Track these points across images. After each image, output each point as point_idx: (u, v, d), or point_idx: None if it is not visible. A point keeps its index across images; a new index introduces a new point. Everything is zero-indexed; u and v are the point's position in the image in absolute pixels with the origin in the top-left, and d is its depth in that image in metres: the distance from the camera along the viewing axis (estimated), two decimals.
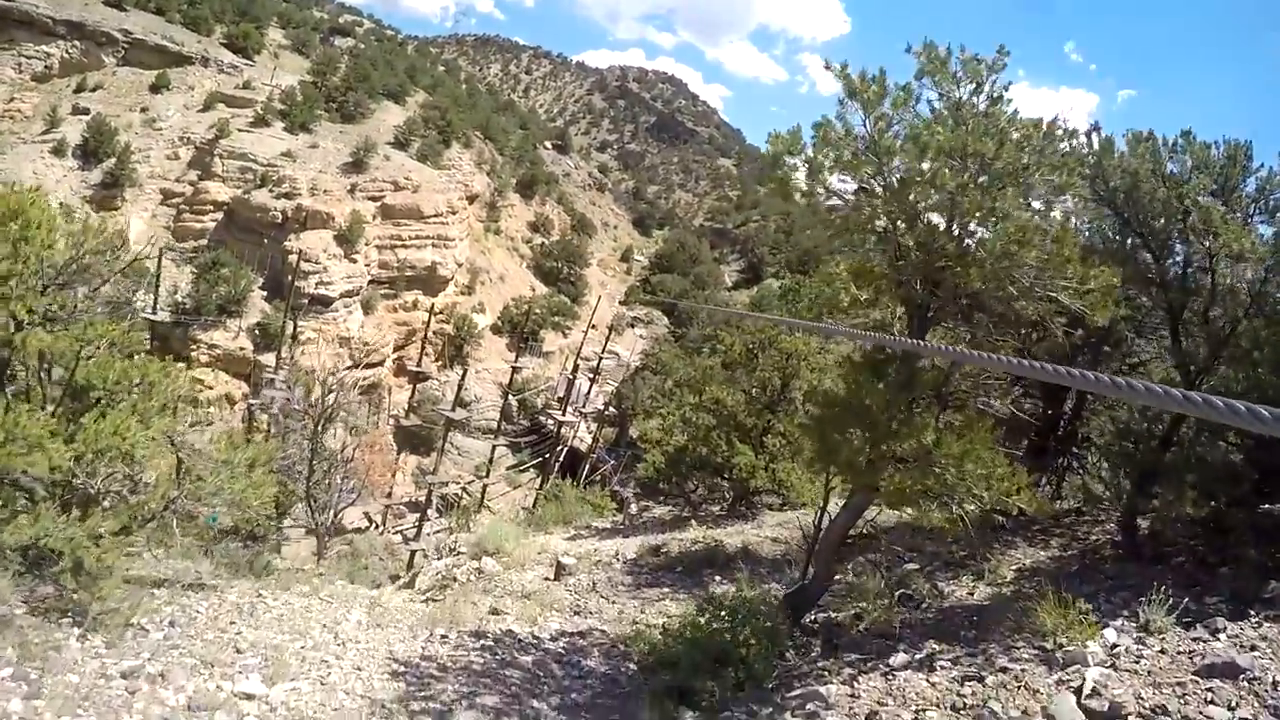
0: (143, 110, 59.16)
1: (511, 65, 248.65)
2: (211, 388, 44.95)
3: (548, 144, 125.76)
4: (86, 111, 55.49)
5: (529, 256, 73.83)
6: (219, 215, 53.23)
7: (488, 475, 43.12)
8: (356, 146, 57.43)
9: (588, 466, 45.09)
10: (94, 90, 58.99)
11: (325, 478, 23.21)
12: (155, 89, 60.79)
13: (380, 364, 51.29)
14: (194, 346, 45.34)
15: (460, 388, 34.83)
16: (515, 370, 46.56)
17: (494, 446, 41.16)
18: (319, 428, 24.16)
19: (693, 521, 19.85)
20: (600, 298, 55.08)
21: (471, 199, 68.46)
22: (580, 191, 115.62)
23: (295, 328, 39.98)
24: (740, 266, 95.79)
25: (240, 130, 57.66)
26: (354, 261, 50.15)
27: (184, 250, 51.54)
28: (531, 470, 48.22)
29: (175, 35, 66.46)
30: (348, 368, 49.68)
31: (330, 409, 26.28)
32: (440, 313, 54.82)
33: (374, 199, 54.83)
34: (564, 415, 39.65)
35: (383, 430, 48.19)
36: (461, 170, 68.67)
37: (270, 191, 52.78)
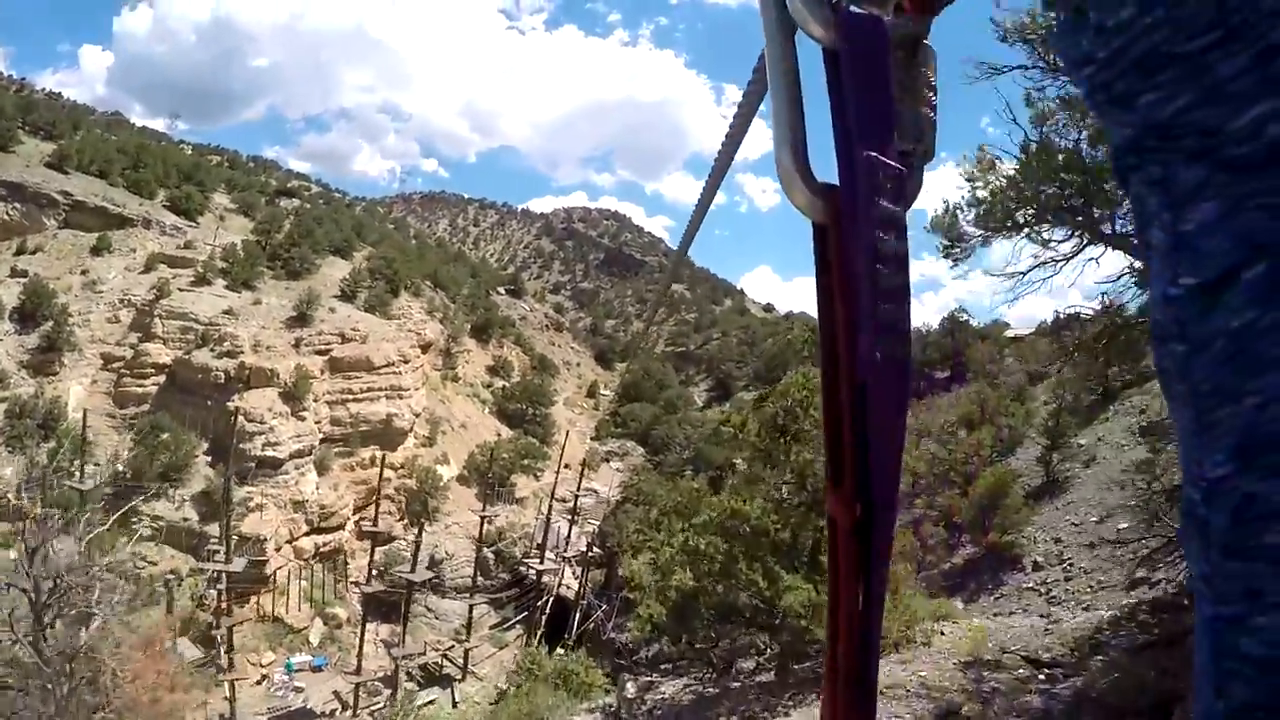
0: (83, 272, 56.87)
1: (459, 218, 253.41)
2: (155, 563, 40.84)
3: (500, 289, 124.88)
4: (25, 274, 53.02)
5: (491, 401, 70.72)
6: (160, 378, 50.31)
7: (467, 638, 38.56)
8: (300, 299, 54.86)
9: (578, 615, 40.78)
10: (34, 252, 57.00)
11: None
12: (96, 251, 58.91)
13: (340, 527, 47.05)
14: (135, 519, 41.29)
15: (418, 545, 30.87)
16: (485, 520, 42.62)
17: (471, 606, 36.81)
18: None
19: (724, 703, 15.01)
20: (569, 433, 51.84)
21: (425, 347, 65.79)
22: (538, 333, 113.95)
23: (227, 494, 35.91)
24: (709, 385, 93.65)
25: (181, 290, 55.30)
26: (302, 419, 46.69)
27: (126, 417, 48.12)
28: (519, 626, 43.70)
29: (116, 198, 65.28)
30: (304, 533, 45.65)
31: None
32: (400, 467, 51.09)
33: (320, 352, 51.90)
34: (542, 563, 35.39)
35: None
36: (412, 319, 66.33)
37: (212, 350, 49.85)
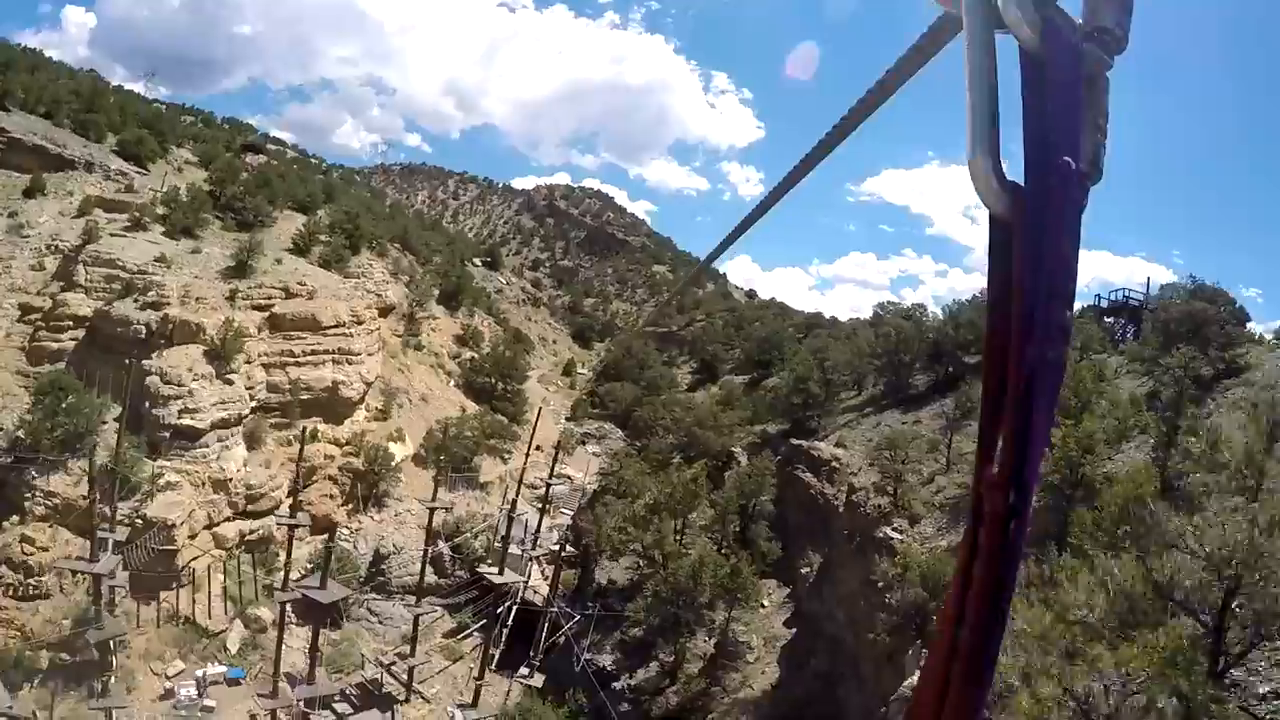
0: (10, 215, 49.86)
1: (439, 191, 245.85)
2: (46, 549, 34.35)
3: (476, 260, 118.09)
4: None
5: (457, 374, 64.07)
6: (80, 332, 43.13)
7: (412, 651, 32.29)
8: (240, 248, 48.01)
9: (546, 626, 34.62)
10: None
11: None
12: (29, 193, 52.23)
13: (270, 512, 40.44)
14: (28, 495, 34.79)
15: (328, 555, 24.60)
16: (438, 510, 36.15)
17: (416, 617, 30.46)
18: None
19: None
20: (540, 410, 45.55)
21: (385, 311, 59.11)
22: (514, 307, 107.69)
23: (89, 473, 29.28)
24: (693, 367, 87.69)
25: (113, 235, 48.16)
26: (229, 383, 39.98)
27: (39, 375, 41.23)
28: (476, 635, 37.41)
29: (58, 138, 58.24)
30: (226, 518, 39.10)
31: None
32: (346, 444, 44.52)
33: (259, 308, 45.12)
34: (502, 573, 28.82)
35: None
36: (372, 279, 59.59)
37: (135, 302, 42.94)
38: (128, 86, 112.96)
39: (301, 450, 24.72)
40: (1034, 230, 1.01)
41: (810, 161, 1.66)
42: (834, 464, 34.25)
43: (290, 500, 40.94)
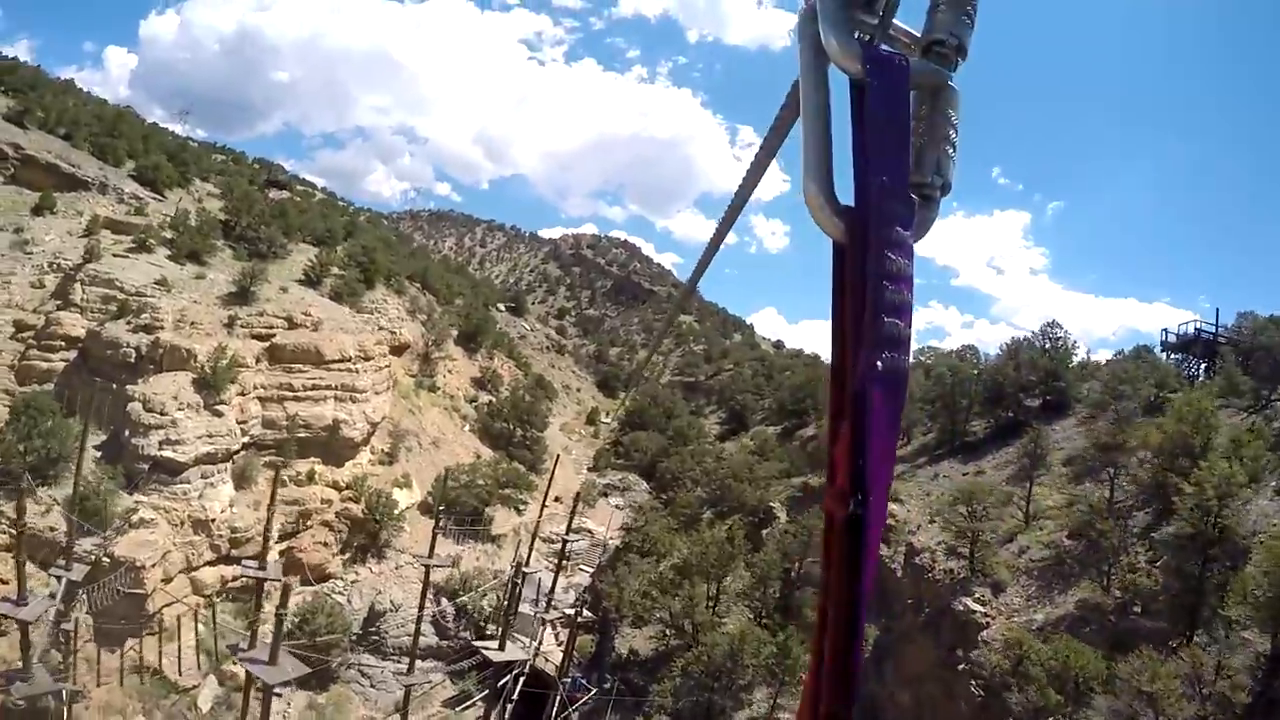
0: (16, 231, 47.36)
1: (466, 238, 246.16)
2: (6, 582, 30.83)
3: (500, 306, 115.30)
4: None
5: (473, 417, 60.27)
6: (72, 353, 40.20)
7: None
8: (243, 273, 45.00)
9: (558, 702, 30.19)
10: None
11: None
12: (38, 211, 49.87)
13: (259, 558, 36.53)
14: None
15: (279, 623, 20.63)
16: (443, 565, 32.13)
17: (408, 688, 26.23)
18: None
19: None
20: (559, 457, 41.48)
21: (399, 350, 55.77)
22: (538, 354, 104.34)
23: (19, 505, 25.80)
24: (721, 417, 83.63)
25: (115, 255, 45.58)
26: (218, 414, 36.46)
27: (25, 395, 38.14)
28: (480, 704, 33.00)
29: (74, 158, 56.41)
30: (207, 562, 35.31)
31: None
32: (346, 487, 40.73)
33: (260, 337, 41.81)
34: (503, 648, 24.26)
35: None
36: (386, 315, 56.36)
37: (128, 324, 39.96)
38: (164, 125, 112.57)
39: (274, 492, 21.00)
40: (860, 249, 1.06)
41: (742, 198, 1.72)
42: (890, 520, 29.90)
43: (269, 546, 37.17)
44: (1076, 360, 40.95)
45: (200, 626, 34.46)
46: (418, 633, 25.29)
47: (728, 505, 40.46)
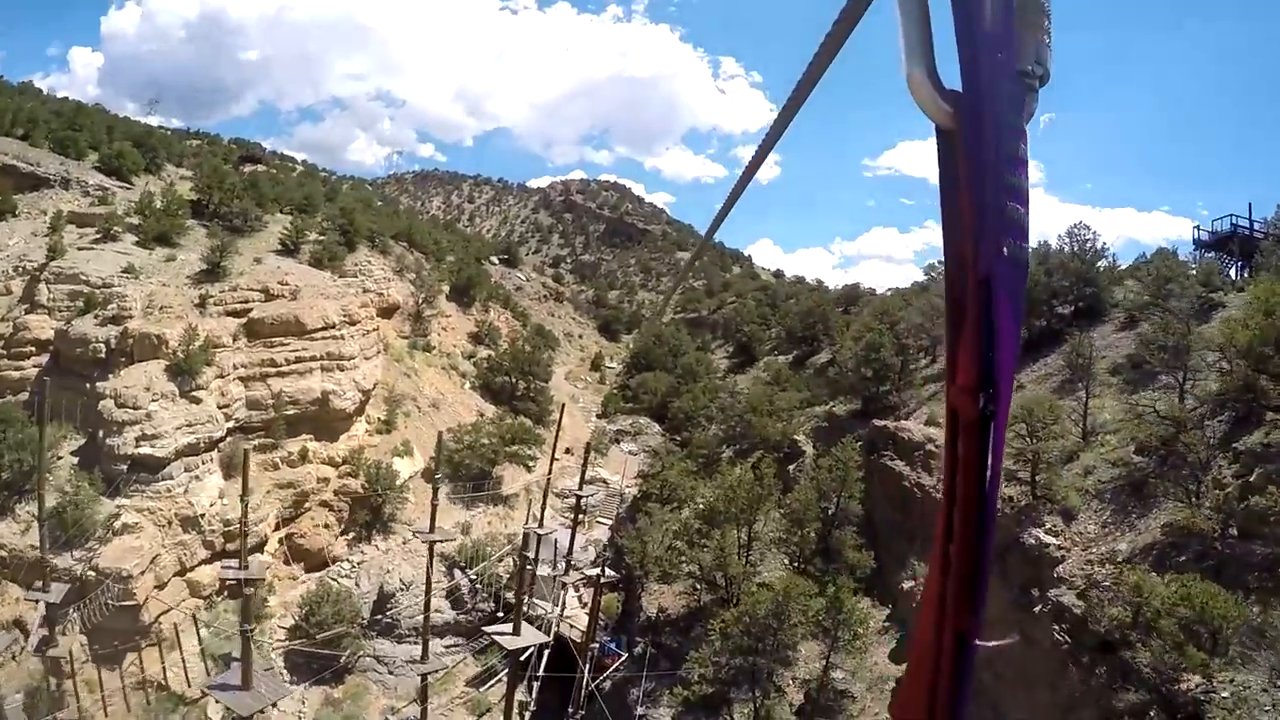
0: None
1: (453, 196, 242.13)
2: None
3: (494, 259, 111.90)
4: None
5: (472, 374, 57.73)
6: (43, 357, 37.86)
7: (422, 713, 26.01)
8: (211, 248, 42.15)
9: (589, 669, 28.21)
10: None
11: None
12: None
13: (260, 548, 34.54)
14: None
15: (245, 641, 18.51)
16: (453, 535, 29.91)
17: (424, 676, 24.17)
18: None
19: None
20: (564, 406, 38.82)
21: (388, 311, 53.10)
22: (536, 304, 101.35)
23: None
24: (729, 351, 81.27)
25: (80, 249, 42.70)
26: (196, 401, 34.02)
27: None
28: (505, 679, 31.10)
29: (32, 156, 53.09)
30: (201, 561, 33.22)
31: None
32: (343, 463, 38.44)
33: (235, 314, 39.18)
34: (518, 631, 21.77)
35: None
36: (371, 276, 53.53)
37: (95, 318, 37.32)
38: (134, 119, 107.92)
39: (245, 480, 18.51)
40: (975, 131, 1.00)
41: (784, 121, 1.46)
42: (930, 447, 27.35)
43: (247, 542, 35.17)
44: (1102, 265, 38.12)
45: (203, 631, 32.46)
46: (427, 619, 23.03)
47: (749, 442, 37.92)
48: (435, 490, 23.30)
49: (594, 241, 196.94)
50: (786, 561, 28.95)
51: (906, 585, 25.03)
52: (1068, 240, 38.34)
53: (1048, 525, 20.27)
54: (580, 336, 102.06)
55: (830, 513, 28.77)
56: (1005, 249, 0.98)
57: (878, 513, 28.95)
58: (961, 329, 0.99)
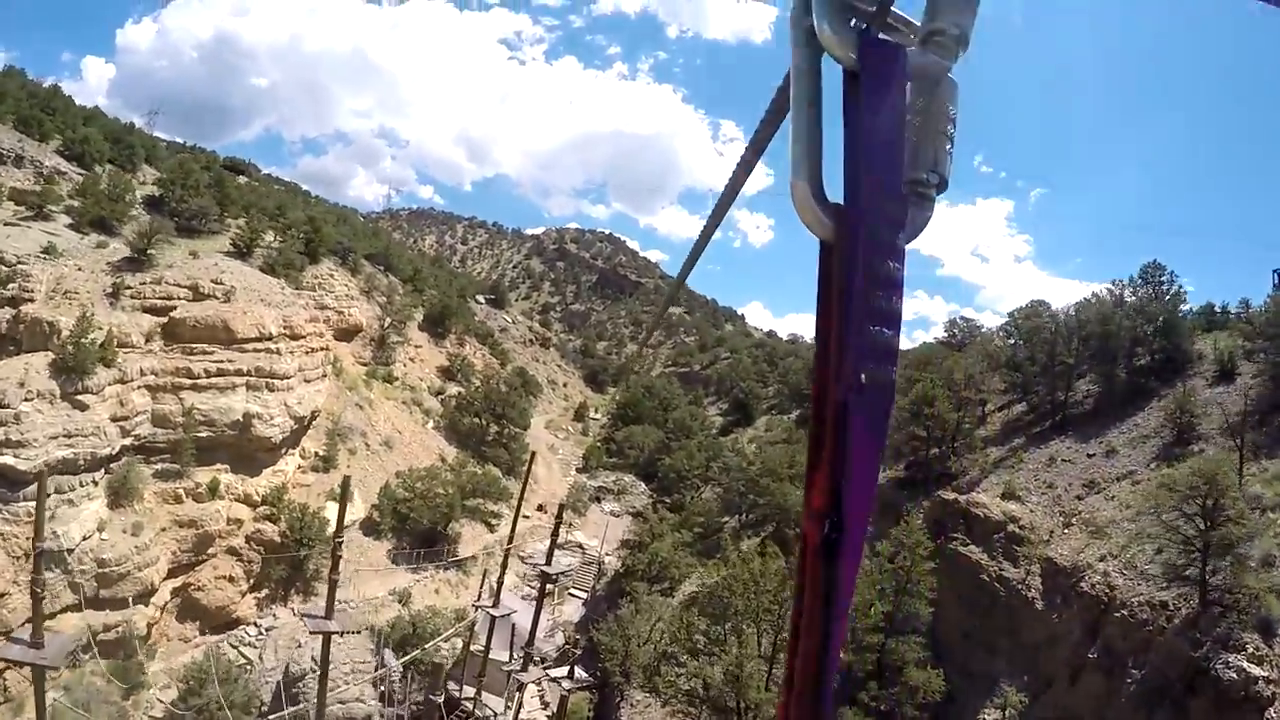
0: None
1: (447, 236, 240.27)
2: None
3: (480, 298, 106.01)
4: None
5: (438, 412, 50.97)
6: None
7: None
8: (139, 234, 35.85)
9: None
10: None
11: None
12: None
13: (145, 598, 27.52)
14: None
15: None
16: (392, 599, 23.07)
17: None
18: None
19: None
20: (533, 453, 31.91)
21: (348, 333, 46.71)
22: (520, 347, 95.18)
23: None
24: (723, 407, 75.39)
25: (5, 224, 36.41)
26: (81, 407, 27.33)
27: None
28: None
29: None
30: (64, 608, 26.29)
31: None
32: (262, 502, 31.57)
33: (153, 310, 32.82)
34: None
35: None
36: (333, 292, 47.21)
37: None
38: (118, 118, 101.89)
39: (40, 522, 12.05)
40: (850, 251, 0.99)
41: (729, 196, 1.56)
42: (1013, 528, 20.80)
43: (176, 582, 28.25)
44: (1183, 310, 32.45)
45: (57, 695, 25.30)
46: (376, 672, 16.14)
47: (760, 512, 30.97)
48: (333, 570, 16.54)
49: (585, 291, 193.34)
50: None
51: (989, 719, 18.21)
52: (1140, 283, 32.66)
53: (1249, 648, 13.71)
54: (565, 385, 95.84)
55: (891, 616, 21.19)
56: (870, 374, 0.95)
57: (946, 615, 22.13)
58: (821, 452, 0.97)
